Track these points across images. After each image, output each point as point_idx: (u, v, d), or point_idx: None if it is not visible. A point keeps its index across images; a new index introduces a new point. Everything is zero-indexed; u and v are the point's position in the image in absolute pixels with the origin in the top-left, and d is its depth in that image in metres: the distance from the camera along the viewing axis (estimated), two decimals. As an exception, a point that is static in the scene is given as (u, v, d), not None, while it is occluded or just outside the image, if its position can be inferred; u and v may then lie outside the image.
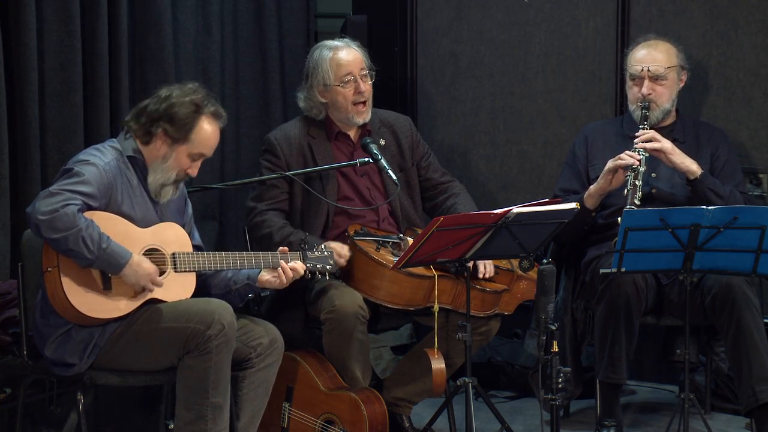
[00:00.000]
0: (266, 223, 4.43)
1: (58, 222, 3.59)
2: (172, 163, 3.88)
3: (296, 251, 4.06)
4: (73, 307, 3.68)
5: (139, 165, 3.89)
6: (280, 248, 4.04)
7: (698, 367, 4.95)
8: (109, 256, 3.67)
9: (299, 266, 4.03)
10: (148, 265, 3.76)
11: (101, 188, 3.74)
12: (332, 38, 4.69)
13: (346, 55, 4.52)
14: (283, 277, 4.00)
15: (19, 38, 4.30)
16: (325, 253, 4.12)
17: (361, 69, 4.52)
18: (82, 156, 3.81)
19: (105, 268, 3.71)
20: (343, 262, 4.29)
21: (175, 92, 3.90)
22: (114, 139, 3.95)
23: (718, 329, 4.45)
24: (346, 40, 4.60)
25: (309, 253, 4.08)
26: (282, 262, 4.00)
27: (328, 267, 4.11)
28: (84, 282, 3.70)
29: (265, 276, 4.01)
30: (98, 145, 3.91)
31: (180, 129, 3.86)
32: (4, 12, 4.30)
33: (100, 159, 3.80)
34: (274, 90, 5.51)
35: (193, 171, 3.94)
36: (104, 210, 3.76)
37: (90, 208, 3.70)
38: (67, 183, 3.68)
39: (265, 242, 4.41)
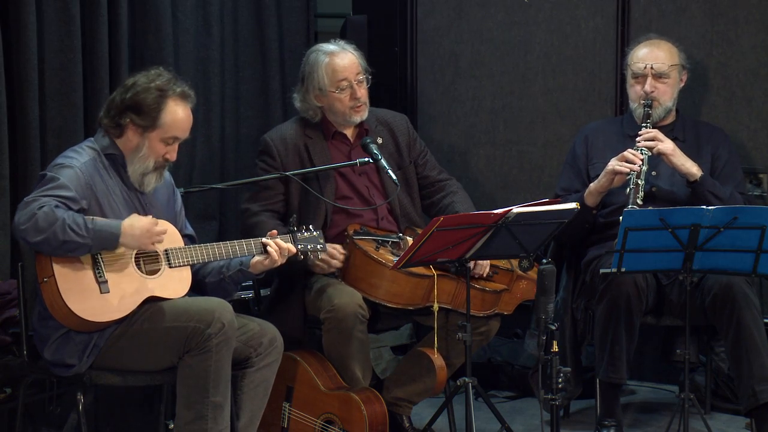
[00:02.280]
0: (259, 225, 4.41)
1: (40, 222, 3.58)
2: (146, 152, 3.86)
3: (285, 234, 4.05)
4: (74, 314, 3.67)
5: (118, 161, 3.88)
6: (270, 232, 4.02)
7: (698, 367, 4.95)
8: (101, 231, 3.65)
9: (290, 247, 4.02)
10: (141, 222, 3.74)
11: (80, 190, 3.73)
12: (332, 38, 4.68)
13: (341, 60, 4.49)
14: (275, 254, 3.97)
15: (19, 38, 4.30)
16: (315, 233, 4.10)
17: (357, 74, 4.50)
18: (58, 160, 3.80)
19: (104, 246, 3.69)
20: (336, 263, 4.30)
21: (140, 80, 3.87)
22: (91, 139, 3.93)
23: (718, 329, 4.45)
24: (342, 43, 4.57)
25: (298, 235, 4.07)
26: (272, 241, 3.98)
27: (318, 247, 4.10)
28: (81, 287, 3.69)
29: (257, 258, 3.99)
30: (76, 147, 3.90)
31: (147, 116, 3.83)
32: (4, 12, 4.30)
33: (77, 160, 3.79)
34: (274, 90, 5.52)
35: (172, 155, 3.90)
36: (86, 211, 3.74)
37: (71, 210, 3.69)
38: (43, 190, 3.67)
39: None
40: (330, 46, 4.54)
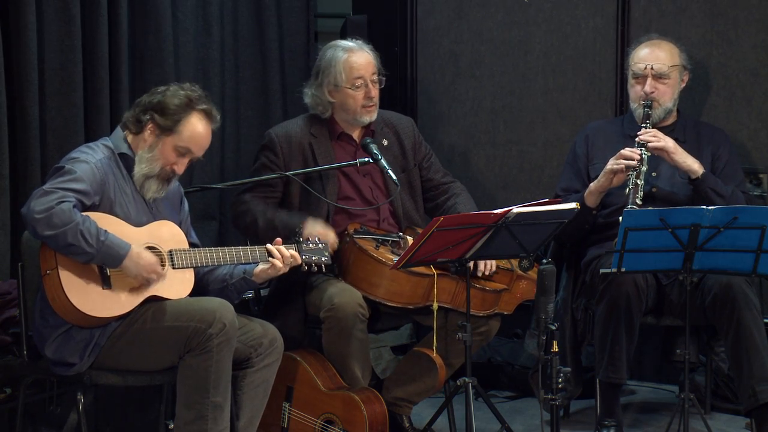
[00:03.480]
0: (250, 211, 4.43)
1: (55, 218, 3.59)
2: (157, 154, 3.87)
3: (291, 243, 4.05)
4: (75, 307, 3.68)
5: (130, 162, 3.89)
6: (276, 240, 4.03)
7: (698, 367, 4.95)
8: (109, 248, 3.67)
9: (295, 255, 4.02)
10: (147, 256, 3.76)
11: (94, 185, 3.75)
12: (332, 38, 4.70)
13: (359, 58, 4.52)
14: (279, 263, 3.98)
15: (19, 38, 4.30)
16: (320, 245, 4.10)
17: (373, 74, 4.52)
18: (74, 154, 3.82)
19: (105, 262, 3.70)
20: (332, 240, 4.28)
21: (173, 87, 3.91)
22: (107, 138, 3.95)
23: (718, 329, 4.45)
24: (360, 42, 4.60)
25: (304, 246, 4.07)
26: (277, 248, 3.98)
27: (323, 259, 4.10)
28: (84, 282, 3.70)
29: (261, 266, 3.99)
30: (90, 144, 3.92)
31: (169, 119, 3.84)
32: (4, 12, 4.30)
33: (92, 156, 3.80)
34: (274, 90, 5.52)
35: (179, 168, 3.91)
36: (97, 207, 3.76)
37: (83, 205, 3.71)
38: (60, 181, 3.68)
39: (252, 230, 4.41)
40: (349, 43, 4.57)
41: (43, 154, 4.43)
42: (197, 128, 3.88)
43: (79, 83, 4.53)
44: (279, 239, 4.03)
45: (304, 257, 4.05)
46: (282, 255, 3.98)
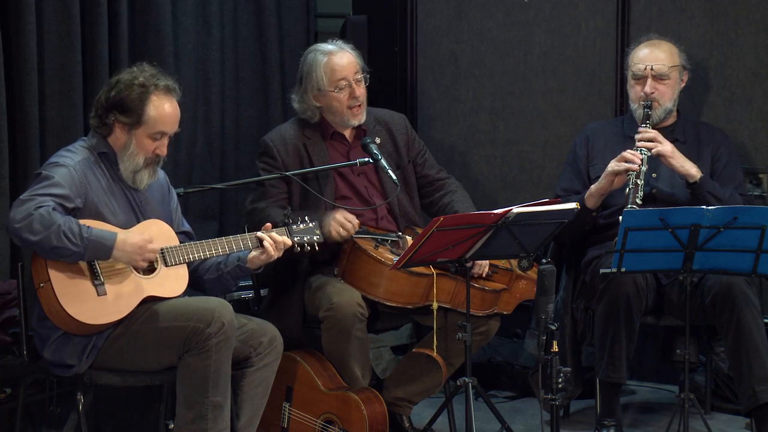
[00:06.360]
0: (269, 218, 4.41)
1: (35, 223, 3.58)
2: (135, 149, 3.86)
3: (281, 227, 4.04)
4: (72, 318, 3.67)
5: (111, 160, 3.89)
6: (264, 225, 4.02)
7: (698, 367, 4.95)
8: (95, 242, 3.66)
9: (286, 240, 4.01)
10: (134, 239, 3.74)
11: (73, 188, 3.74)
12: (332, 39, 4.69)
13: (339, 60, 4.50)
14: (271, 249, 3.96)
15: (19, 38, 4.31)
16: (310, 224, 4.09)
17: (356, 73, 4.50)
18: (52, 159, 3.82)
19: (95, 257, 3.69)
20: (350, 227, 4.27)
21: (123, 77, 3.88)
22: (84, 138, 3.94)
23: (718, 329, 4.45)
24: (340, 43, 4.58)
25: (294, 227, 4.05)
26: (267, 234, 3.97)
27: (315, 238, 4.08)
28: (78, 291, 3.69)
29: (254, 253, 3.98)
30: (70, 146, 3.91)
31: (131, 114, 3.83)
32: (4, 12, 4.31)
33: (71, 159, 3.80)
34: (274, 90, 5.52)
35: (162, 150, 3.90)
36: (81, 209, 3.75)
37: (65, 209, 3.70)
38: (38, 188, 3.68)
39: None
40: (328, 46, 4.55)
41: (43, 154, 4.43)
42: (161, 110, 3.85)
43: (79, 83, 4.53)
44: (269, 224, 4.02)
45: (295, 239, 4.04)
46: (275, 240, 3.97)
